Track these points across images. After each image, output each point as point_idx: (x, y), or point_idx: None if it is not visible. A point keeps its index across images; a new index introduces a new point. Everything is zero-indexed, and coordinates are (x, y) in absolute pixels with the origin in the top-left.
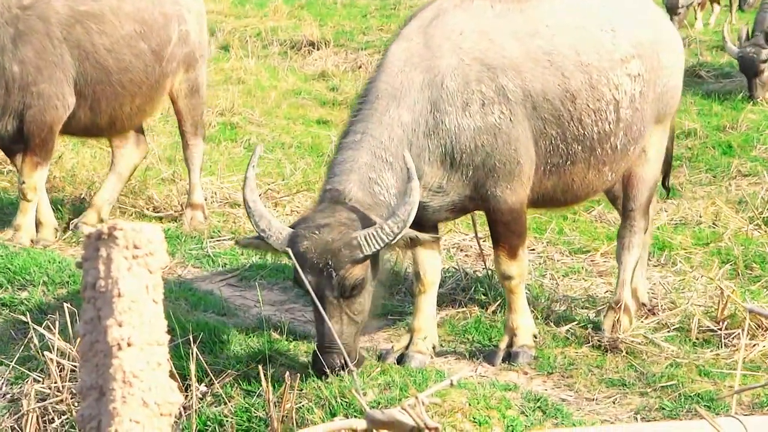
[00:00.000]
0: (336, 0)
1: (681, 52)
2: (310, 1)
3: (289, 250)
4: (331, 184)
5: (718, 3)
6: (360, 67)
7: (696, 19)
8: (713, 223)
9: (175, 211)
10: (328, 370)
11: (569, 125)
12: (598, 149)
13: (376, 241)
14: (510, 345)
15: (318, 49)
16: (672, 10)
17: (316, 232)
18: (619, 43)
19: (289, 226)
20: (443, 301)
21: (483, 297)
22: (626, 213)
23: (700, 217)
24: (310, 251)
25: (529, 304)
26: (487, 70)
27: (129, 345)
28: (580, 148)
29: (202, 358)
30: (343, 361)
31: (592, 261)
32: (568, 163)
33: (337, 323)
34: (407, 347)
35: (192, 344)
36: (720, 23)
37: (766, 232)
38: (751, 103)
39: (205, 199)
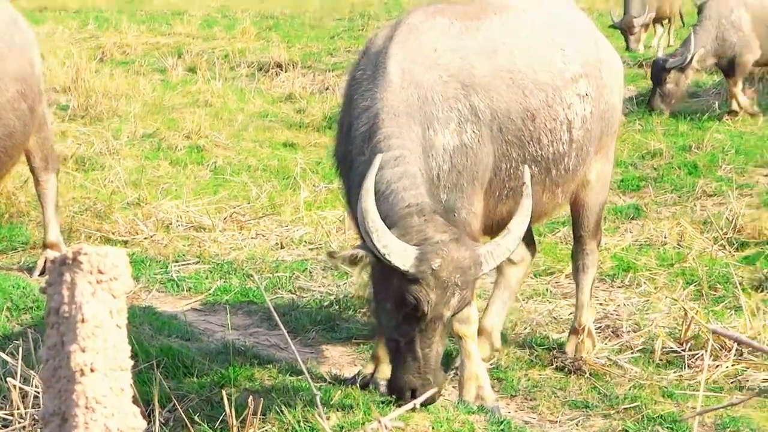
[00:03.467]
0: (304, 22)
1: (620, 71)
2: (278, 23)
3: (414, 269)
4: (408, 200)
5: (662, 24)
6: (327, 88)
7: (639, 40)
8: (678, 244)
9: (141, 236)
10: (422, 399)
11: (529, 146)
12: (553, 171)
13: (494, 259)
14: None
15: (285, 71)
16: (628, 29)
17: (446, 248)
18: (568, 62)
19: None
20: None
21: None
22: (576, 238)
23: (665, 237)
24: (443, 269)
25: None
26: (462, 87)
27: (92, 370)
28: (537, 170)
29: (165, 383)
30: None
31: (556, 283)
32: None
33: (442, 344)
34: (373, 374)
35: (155, 369)
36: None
37: (730, 252)
38: (717, 122)
39: (171, 223)
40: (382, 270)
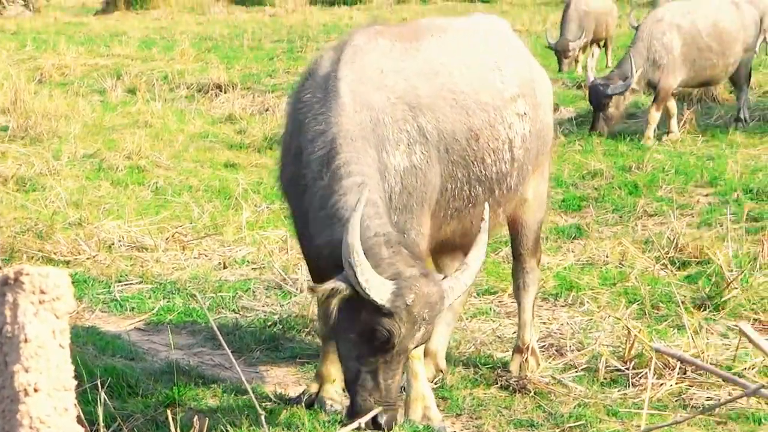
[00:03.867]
0: (242, 43)
1: (550, 89)
2: (217, 44)
3: (389, 304)
4: (374, 230)
5: (599, 46)
6: (267, 109)
7: (577, 61)
8: (620, 263)
9: (83, 256)
10: (387, 428)
11: (473, 166)
12: (496, 190)
13: (454, 292)
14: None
15: (225, 92)
16: (563, 52)
17: (417, 284)
18: (506, 82)
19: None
20: None
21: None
22: (516, 256)
23: (607, 257)
24: (415, 305)
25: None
26: (409, 109)
27: (36, 391)
28: (481, 190)
29: (110, 403)
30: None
31: (499, 302)
32: (470, 206)
33: (400, 375)
34: (318, 392)
35: (100, 389)
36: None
37: (672, 271)
38: (657, 143)
39: (113, 243)
40: (349, 302)
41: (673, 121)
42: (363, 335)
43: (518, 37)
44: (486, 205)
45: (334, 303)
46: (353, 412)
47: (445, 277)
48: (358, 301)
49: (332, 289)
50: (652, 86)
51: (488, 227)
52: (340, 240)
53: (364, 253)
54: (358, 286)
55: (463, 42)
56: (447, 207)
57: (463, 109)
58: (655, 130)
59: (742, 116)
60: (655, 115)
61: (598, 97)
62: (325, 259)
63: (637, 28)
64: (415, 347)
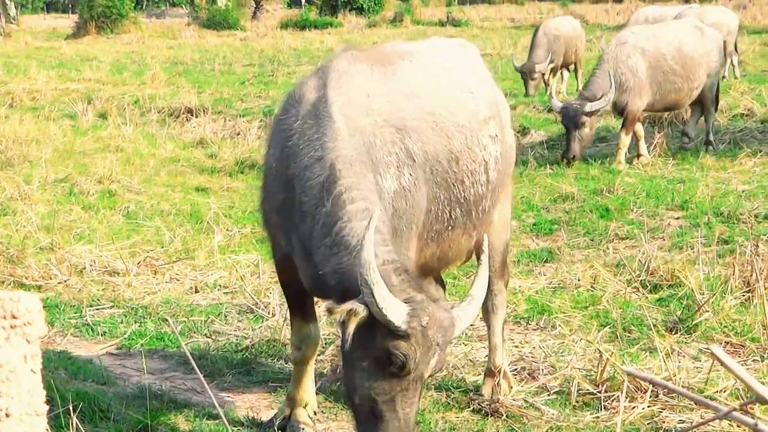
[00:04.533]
0: (214, 67)
1: (509, 110)
2: (188, 69)
3: (405, 325)
4: (382, 257)
5: (568, 69)
6: (239, 134)
7: (547, 85)
8: (591, 287)
9: (55, 281)
10: None
11: (454, 188)
12: (473, 213)
13: (463, 323)
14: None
15: (196, 116)
16: (529, 74)
17: (431, 308)
18: (479, 104)
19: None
20: (324, 367)
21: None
22: None
23: (579, 280)
24: (429, 327)
25: None
26: (396, 131)
27: (7, 415)
28: (459, 212)
29: (81, 428)
30: None
31: (471, 325)
32: (449, 228)
33: (416, 405)
34: (289, 416)
35: (72, 414)
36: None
37: (643, 294)
38: (628, 166)
39: (84, 268)
40: (362, 329)
41: (642, 144)
42: (378, 362)
43: (488, 60)
44: (486, 237)
45: (352, 326)
46: None
47: (453, 306)
48: (371, 328)
49: (350, 310)
50: (618, 110)
51: (488, 259)
52: (348, 268)
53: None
54: (374, 306)
55: (433, 65)
56: (429, 229)
57: (443, 132)
58: (626, 154)
59: (711, 139)
60: (625, 140)
61: (576, 115)
62: (332, 288)
63: (603, 52)
64: (430, 376)
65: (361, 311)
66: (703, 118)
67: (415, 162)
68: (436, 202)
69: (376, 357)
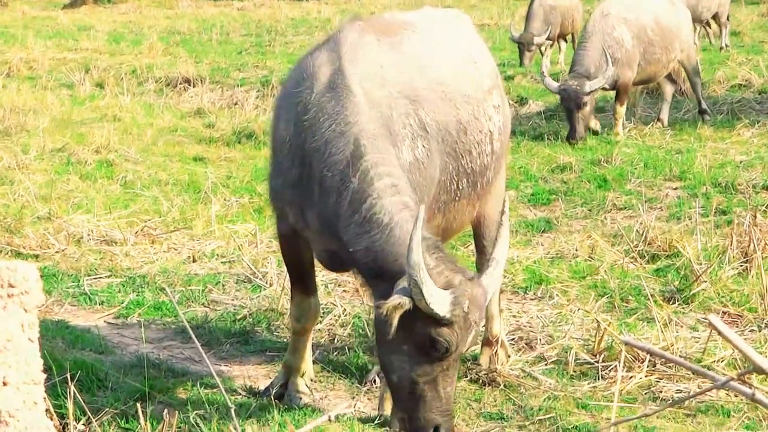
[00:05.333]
0: (211, 37)
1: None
2: (186, 39)
3: (449, 314)
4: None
5: (566, 40)
6: (236, 103)
7: (543, 55)
8: (589, 257)
9: (52, 250)
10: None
11: (462, 158)
12: (478, 183)
13: (491, 290)
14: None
15: (194, 86)
16: (526, 45)
17: (468, 289)
18: (482, 74)
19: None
20: (321, 337)
21: (361, 332)
22: (480, 249)
23: (576, 250)
24: (471, 311)
25: None
26: (410, 102)
27: (5, 384)
28: (466, 183)
29: (80, 397)
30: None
31: None
32: (455, 199)
33: (455, 382)
34: (286, 385)
35: (69, 383)
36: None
37: (641, 265)
38: (626, 137)
39: (82, 237)
40: (402, 315)
41: (619, 124)
42: (420, 347)
43: (486, 30)
44: (505, 196)
45: (396, 318)
46: (416, 428)
47: (481, 276)
48: (412, 314)
49: (397, 304)
50: (610, 84)
51: (508, 221)
52: (381, 247)
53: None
54: (422, 302)
55: (437, 36)
56: (437, 200)
57: (451, 102)
58: (623, 125)
59: (704, 107)
60: (620, 111)
61: (577, 97)
62: (364, 265)
63: (585, 26)
64: (467, 350)
65: (407, 304)
66: (689, 91)
67: (428, 133)
68: (446, 173)
69: (416, 342)
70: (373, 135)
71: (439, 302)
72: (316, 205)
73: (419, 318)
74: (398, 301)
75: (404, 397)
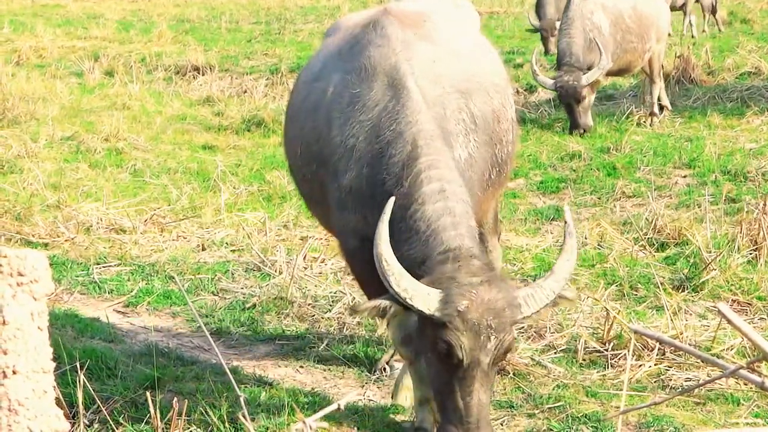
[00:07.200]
0: (220, 25)
1: None
2: (195, 27)
3: (439, 313)
4: (446, 243)
5: None
6: (245, 91)
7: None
8: (598, 245)
9: (62, 238)
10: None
11: (495, 148)
12: (502, 173)
13: (536, 301)
14: None
15: (203, 74)
16: (549, 31)
17: (474, 290)
18: (500, 63)
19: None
20: (331, 325)
21: (371, 320)
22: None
23: (585, 238)
24: (471, 311)
25: None
26: (461, 96)
27: (14, 373)
28: (495, 173)
29: (89, 385)
30: None
31: None
32: (487, 190)
33: (485, 393)
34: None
35: (79, 371)
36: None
37: (650, 253)
38: (635, 124)
39: (91, 226)
40: (418, 319)
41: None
42: (433, 352)
43: (496, 18)
44: (567, 207)
45: (386, 321)
46: None
47: (525, 285)
48: (422, 318)
49: (376, 307)
50: (589, 69)
51: (573, 230)
52: (414, 255)
53: (429, 270)
54: (398, 297)
55: (457, 26)
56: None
57: (486, 92)
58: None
59: (656, 110)
60: (590, 98)
61: (576, 92)
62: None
63: (565, 8)
64: (497, 360)
65: (388, 306)
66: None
67: (477, 126)
68: (484, 164)
69: (429, 347)
70: (431, 136)
71: (420, 298)
72: (377, 210)
73: (425, 321)
74: (375, 303)
75: (438, 407)
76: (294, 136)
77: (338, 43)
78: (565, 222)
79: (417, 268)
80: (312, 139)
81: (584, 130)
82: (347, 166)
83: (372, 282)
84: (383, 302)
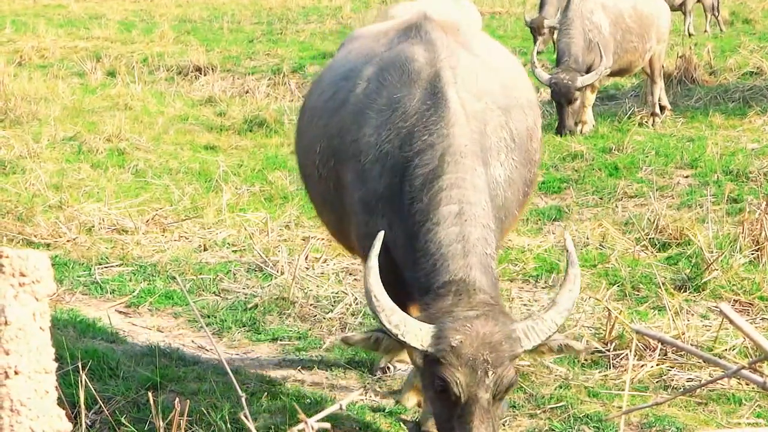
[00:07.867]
0: (222, 25)
1: None
2: (197, 27)
3: (432, 348)
4: (451, 274)
5: None
6: (247, 92)
7: (546, 42)
8: (600, 245)
9: (64, 239)
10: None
11: (526, 168)
12: (529, 192)
13: (537, 334)
14: None
15: (205, 75)
16: (537, 29)
17: (469, 324)
18: (527, 80)
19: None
20: (333, 326)
21: (373, 321)
22: None
23: (587, 238)
24: (465, 346)
25: None
26: (502, 113)
27: (16, 373)
28: (523, 193)
29: (91, 386)
30: None
31: None
32: (514, 211)
33: (486, 429)
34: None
35: (81, 372)
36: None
37: (652, 253)
38: (637, 124)
39: (93, 226)
40: (417, 354)
41: (588, 110)
42: (431, 389)
43: (498, 18)
44: (567, 234)
45: (384, 354)
46: None
47: (527, 318)
48: (422, 354)
49: (369, 338)
50: (586, 69)
51: (576, 259)
52: (419, 277)
53: (431, 301)
54: (389, 333)
55: (481, 36)
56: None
57: (522, 109)
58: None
59: (662, 104)
60: (591, 97)
61: (569, 92)
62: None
63: (565, 7)
64: (498, 396)
65: (382, 338)
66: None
67: (516, 144)
68: (522, 183)
69: (427, 384)
70: (461, 152)
71: (412, 334)
72: (403, 220)
73: (424, 358)
74: (367, 336)
75: None
76: (315, 135)
77: (370, 45)
78: (567, 250)
79: (420, 296)
80: (335, 132)
81: (568, 132)
82: (381, 172)
83: (399, 293)
84: (377, 335)
